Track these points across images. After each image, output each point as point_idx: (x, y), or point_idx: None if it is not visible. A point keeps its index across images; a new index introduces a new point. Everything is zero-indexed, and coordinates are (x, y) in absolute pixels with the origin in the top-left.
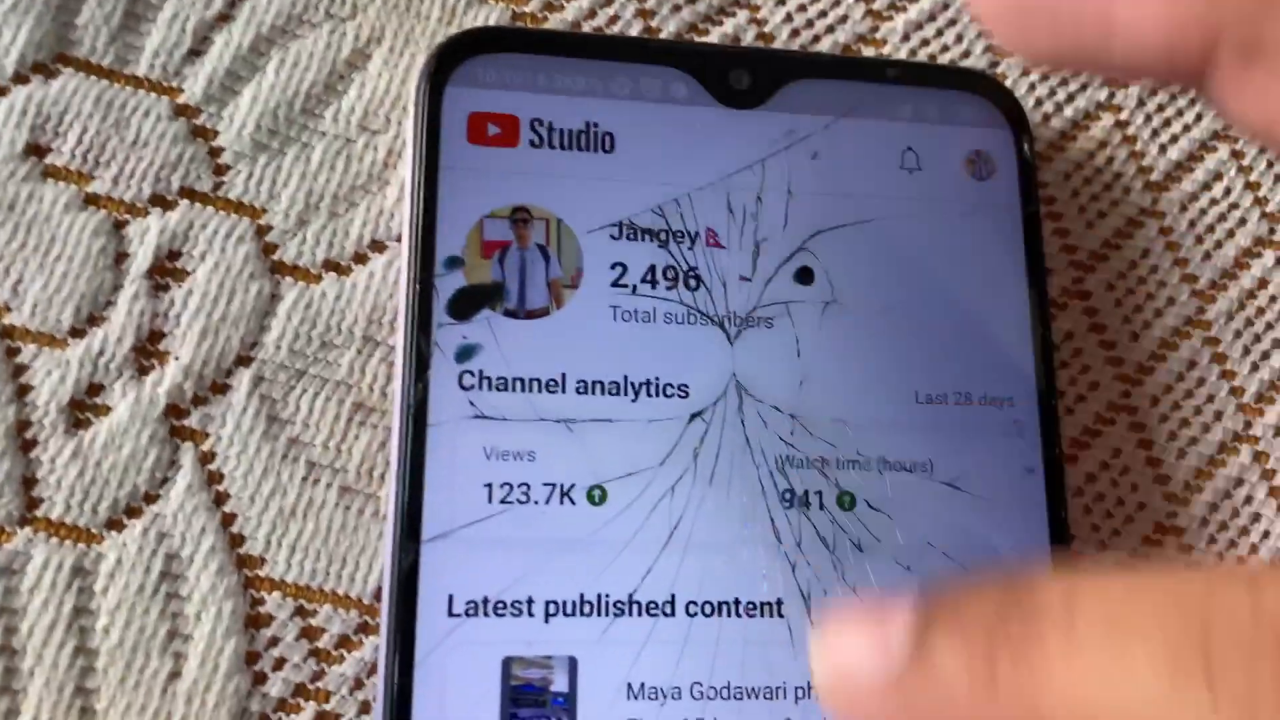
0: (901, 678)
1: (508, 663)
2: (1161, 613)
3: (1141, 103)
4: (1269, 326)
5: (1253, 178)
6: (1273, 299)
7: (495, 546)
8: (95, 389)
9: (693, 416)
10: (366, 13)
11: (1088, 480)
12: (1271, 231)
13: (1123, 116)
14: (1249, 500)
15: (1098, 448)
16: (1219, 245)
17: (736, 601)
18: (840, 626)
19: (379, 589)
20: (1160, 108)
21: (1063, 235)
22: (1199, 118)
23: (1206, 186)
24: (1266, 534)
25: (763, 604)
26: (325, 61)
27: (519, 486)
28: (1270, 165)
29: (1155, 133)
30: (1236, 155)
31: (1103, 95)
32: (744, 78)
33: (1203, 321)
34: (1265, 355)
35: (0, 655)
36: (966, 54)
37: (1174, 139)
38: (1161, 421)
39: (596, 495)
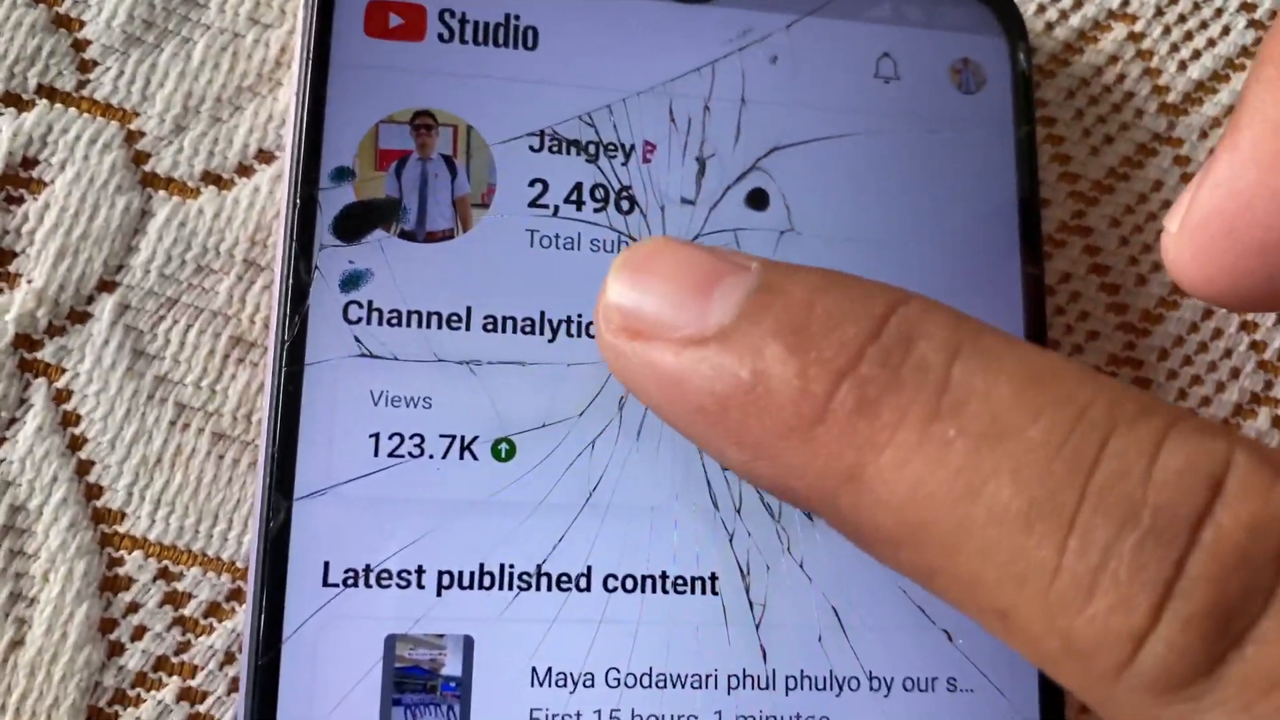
0: (708, 345)
1: (392, 641)
2: (1051, 433)
3: (1160, 12)
4: None
5: None
6: None
7: (381, 507)
8: None
9: None
10: None
11: None
12: None
13: (1137, 28)
14: None
15: None
16: None
17: (663, 575)
18: (659, 265)
19: (249, 558)
20: (1181, 18)
21: (1063, 162)
22: (1225, 30)
23: (1231, 111)
24: None
25: (693, 579)
26: None
27: (411, 438)
28: None
29: (1175, 47)
30: None
31: (1115, 2)
32: None
33: None
34: None
35: None
36: None
37: (1196, 55)
38: (1170, 379)
39: (503, 450)
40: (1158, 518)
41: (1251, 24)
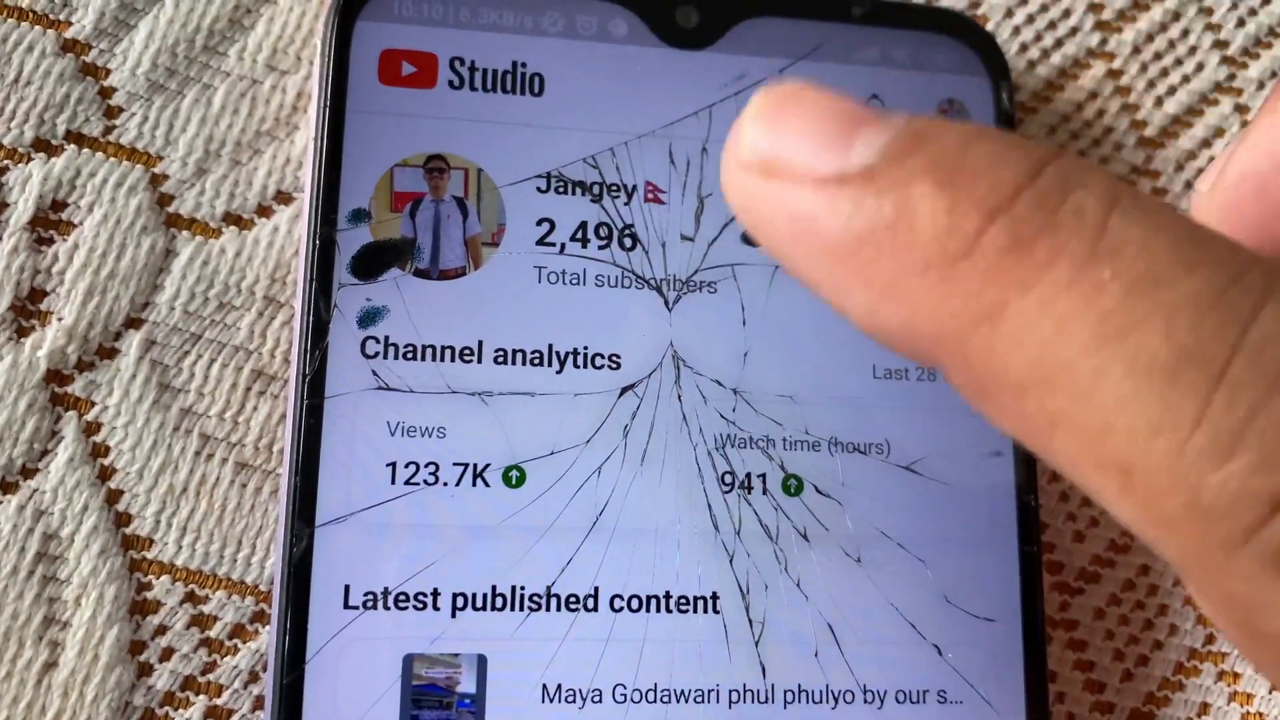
0: (849, 183)
1: (409, 660)
2: (1210, 285)
3: (1136, 50)
4: None
5: None
6: None
7: (398, 532)
8: None
9: (624, 390)
10: None
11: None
12: None
13: (1115, 65)
14: None
15: None
16: None
17: (667, 595)
18: (798, 104)
19: (273, 582)
20: (1157, 55)
21: None
22: (1199, 68)
23: (1206, 144)
24: None
25: (696, 598)
26: None
27: (426, 466)
28: None
29: (1151, 84)
30: (1240, 110)
31: (1094, 41)
32: (692, 15)
33: None
34: None
35: None
36: None
37: (1171, 90)
38: None
39: (513, 477)
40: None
41: (1225, 60)
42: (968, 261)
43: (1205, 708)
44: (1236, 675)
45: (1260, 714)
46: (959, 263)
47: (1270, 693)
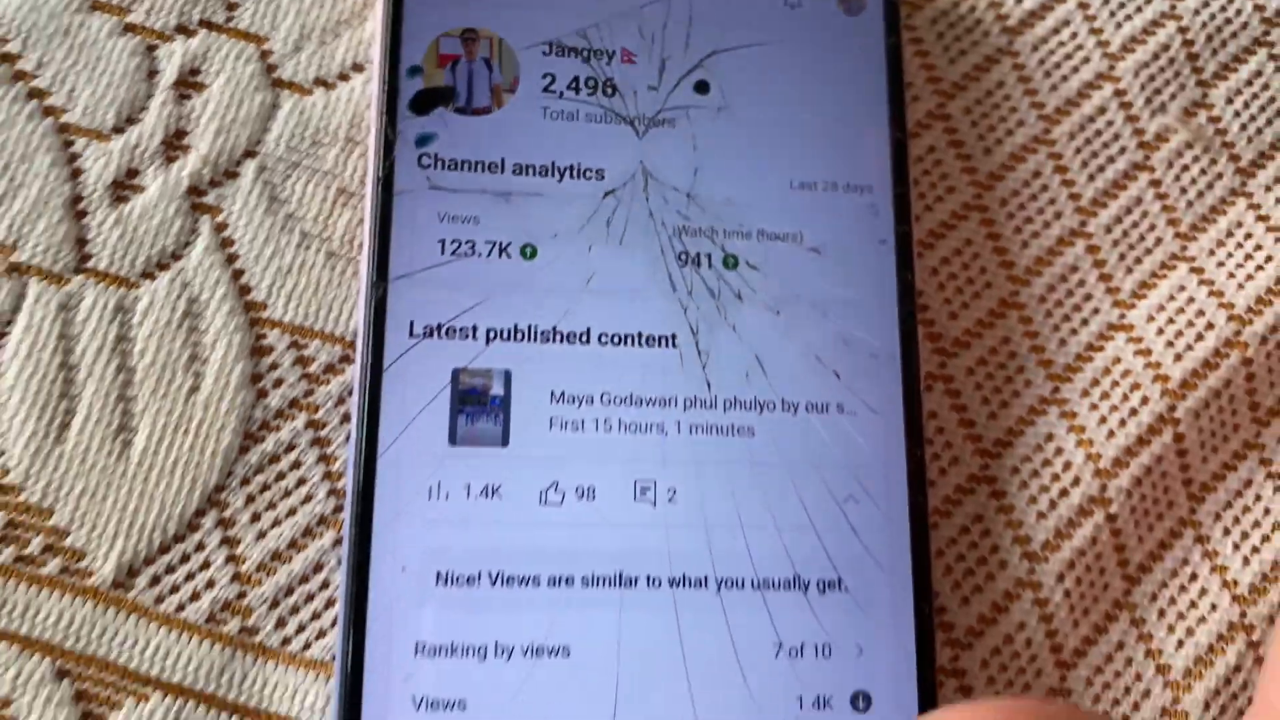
0: None
1: (456, 373)
2: None
3: None
4: (1105, 145)
5: (1095, 25)
6: (1109, 124)
7: (446, 286)
8: (133, 173)
9: (607, 194)
10: None
11: (936, 269)
12: (1111, 68)
13: None
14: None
15: (951, 238)
16: (1064, 79)
17: (639, 334)
18: None
19: (357, 327)
20: None
21: (929, 69)
22: None
23: (1055, 30)
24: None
25: (659, 336)
26: None
27: (466, 243)
28: (1111, 14)
29: None
30: (1082, 5)
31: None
32: None
33: (1048, 139)
34: (1101, 168)
35: (61, 370)
36: None
37: None
38: (1009, 219)
39: (528, 251)
40: None
41: None
42: None
43: (1050, 437)
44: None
45: (1090, 440)
46: None
47: (1100, 425)
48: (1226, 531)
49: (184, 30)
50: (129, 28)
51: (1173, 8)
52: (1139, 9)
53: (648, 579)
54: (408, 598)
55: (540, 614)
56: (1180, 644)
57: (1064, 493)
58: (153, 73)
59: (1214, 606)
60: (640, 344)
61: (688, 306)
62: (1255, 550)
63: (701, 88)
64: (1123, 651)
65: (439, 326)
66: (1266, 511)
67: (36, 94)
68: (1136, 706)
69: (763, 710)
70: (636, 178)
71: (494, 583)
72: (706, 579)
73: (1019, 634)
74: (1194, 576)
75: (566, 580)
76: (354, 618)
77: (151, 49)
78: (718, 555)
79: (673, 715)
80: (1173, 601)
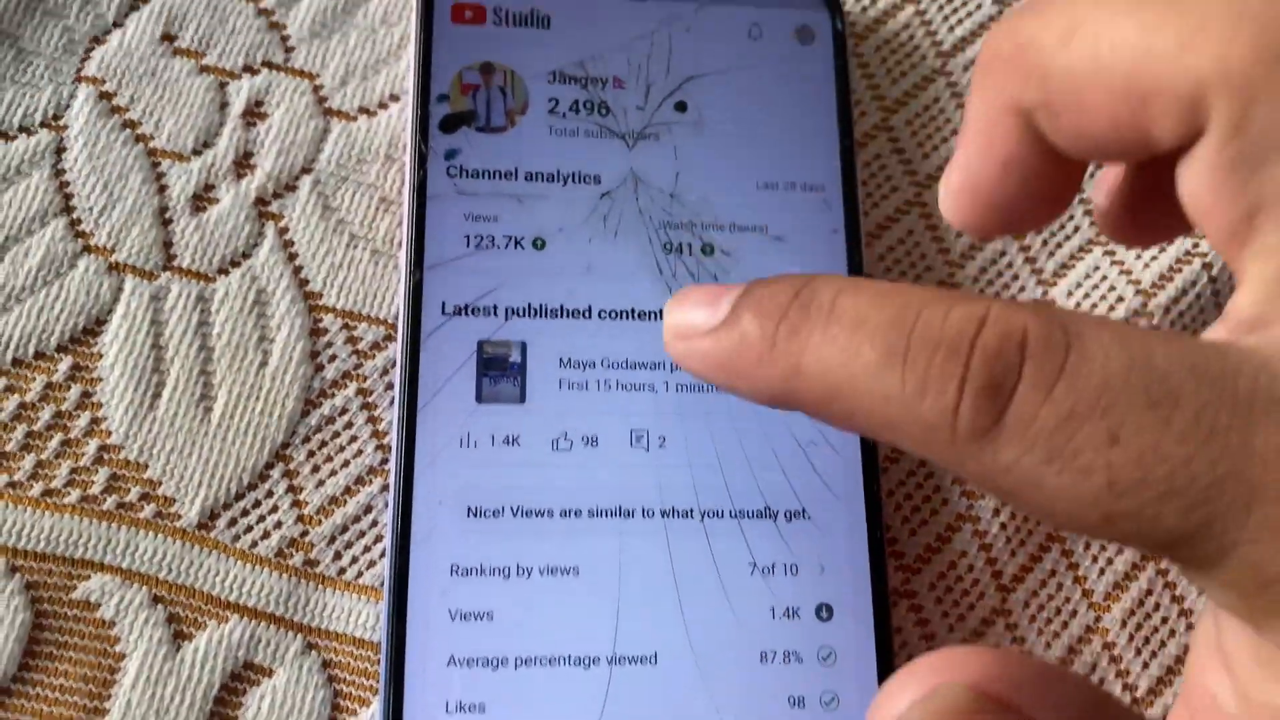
0: (718, 329)
1: (480, 344)
2: (889, 316)
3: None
4: None
5: None
6: None
7: (472, 273)
8: (209, 188)
9: (603, 195)
10: None
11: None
12: None
13: (921, 7)
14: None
15: (895, 230)
16: None
17: (632, 309)
18: (688, 297)
19: (398, 310)
20: None
21: (874, 88)
22: (979, 6)
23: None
24: None
25: (649, 311)
26: None
27: (487, 237)
28: None
29: (946, 18)
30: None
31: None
32: None
33: None
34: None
35: (152, 350)
36: None
37: (960, 20)
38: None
39: (539, 243)
40: (950, 343)
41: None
42: (774, 349)
43: None
44: None
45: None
46: (770, 351)
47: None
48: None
49: (250, 69)
50: (204, 68)
51: None
52: None
53: (643, 510)
54: (443, 528)
55: (553, 540)
56: (1101, 571)
57: None
58: (224, 105)
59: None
60: (633, 318)
61: (672, 286)
62: None
63: (680, 107)
64: (1055, 578)
65: (466, 306)
66: None
67: (130, 124)
68: (1065, 625)
69: (740, 619)
70: (628, 182)
71: (515, 515)
72: (692, 510)
73: (961, 560)
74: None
75: (575, 513)
76: (400, 545)
77: (223, 85)
78: (701, 490)
79: (664, 624)
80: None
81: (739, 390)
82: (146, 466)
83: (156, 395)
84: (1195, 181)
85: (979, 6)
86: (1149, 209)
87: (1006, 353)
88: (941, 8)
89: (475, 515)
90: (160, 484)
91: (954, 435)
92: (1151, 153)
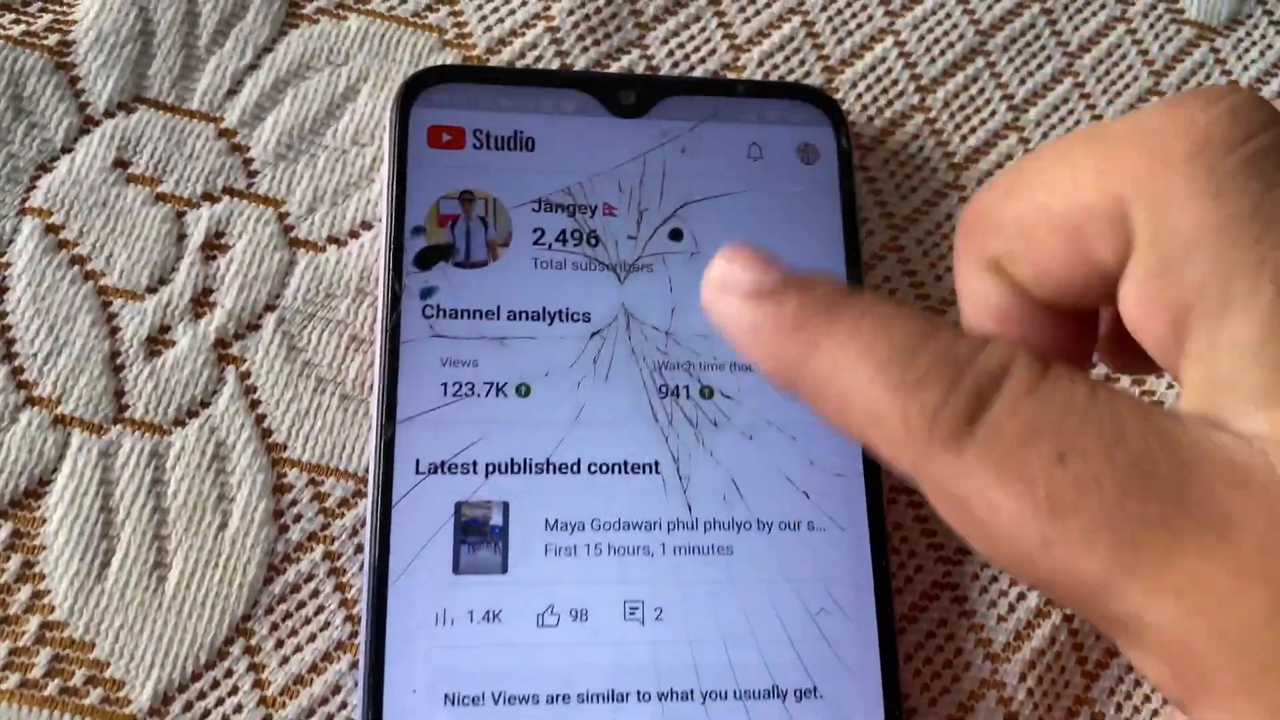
0: (763, 295)
1: (459, 505)
2: (893, 345)
3: (946, 104)
4: None
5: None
6: None
7: (449, 425)
8: (165, 329)
9: (593, 334)
10: (356, 60)
11: None
12: None
13: (931, 115)
14: None
15: None
16: None
17: (625, 462)
18: (741, 255)
19: (368, 465)
20: (961, 106)
21: (882, 205)
22: (993, 113)
23: (1000, 165)
24: None
25: (644, 464)
26: (326, 95)
27: (466, 384)
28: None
29: (958, 126)
30: (1024, 141)
31: (915, 99)
32: (630, 95)
33: None
34: None
35: (101, 513)
36: (808, 74)
37: (974, 128)
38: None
39: (523, 389)
40: (957, 354)
41: (1010, 108)
42: (801, 330)
43: None
44: None
45: None
46: (798, 330)
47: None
48: None
49: (209, 197)
50: (160, 196)
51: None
52: None
53: (638, 694)
54: (418, 718)
55: None
56: None
57: (1022, 596)
58: (182, 236)
59: (1166, 700)
60: (626, 471)
61: (669, 435)
62: None
63: (676, 235)
64: None
65: (442, 463)
66: None
67: (78, 260)
68: None
69: None
70: (619, 319)
71: (497, 702)
72: (692, 691)
73: None
74: None
75: (563, 698)
76: None
77: (180, 215)
78: (702, 669)
79: None
80: (1129, 696)
81: (754, 357)
82: (93, 646)
83: (105, 564)
84: (1129, 299)
85: (993, 114)
86: (1129, 341)
87: (995, 370)
88: (954, 115)
89: (453, 703)
90: (108, 665)
91: (929, 434)
92: (1106, 282)
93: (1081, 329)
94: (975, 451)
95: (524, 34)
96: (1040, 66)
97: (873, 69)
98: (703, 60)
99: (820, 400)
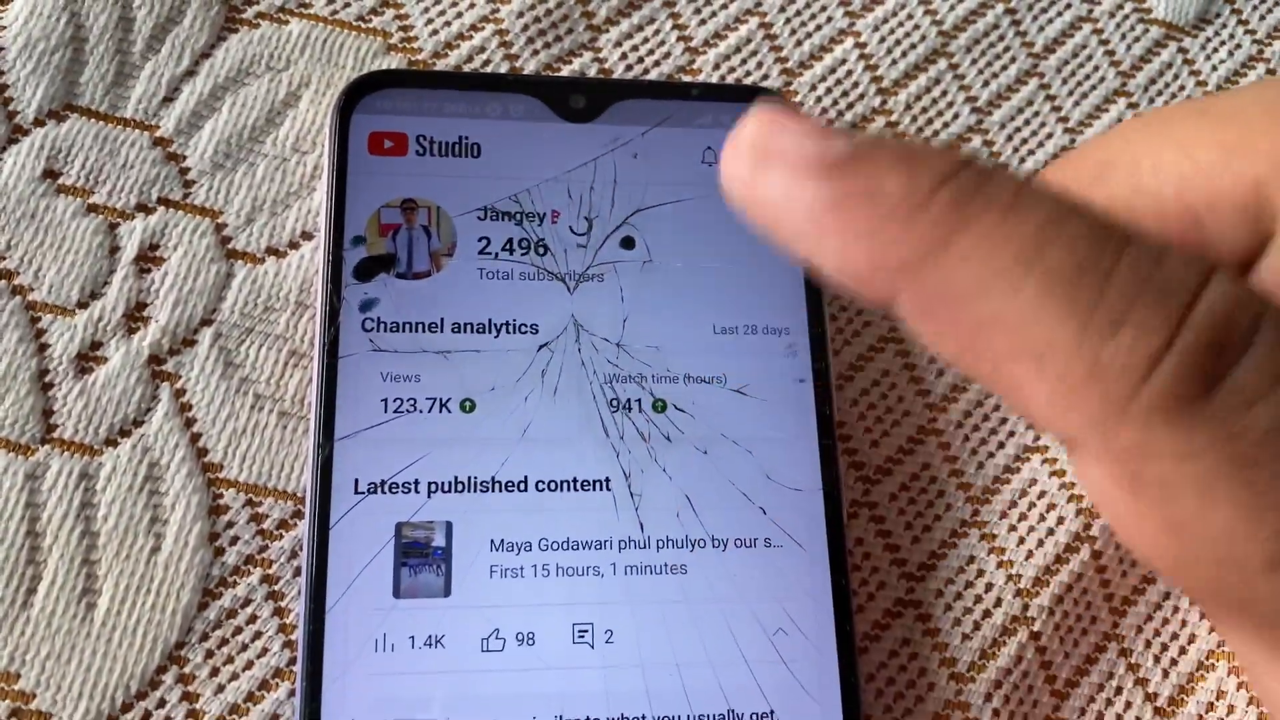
0: (838, 165)
1: (399, 526)
2: (1089, 233)
3: (908, 106)
4: None
5: None
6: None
7: (390, 444)
8: (96, 345)
9: (541, 347)
10: (297, 65)
11: (855, 403)
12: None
13: (893, 118)
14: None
15: (869, 370)
16: None
17: (574, 479)
18: (783, 116)
19: (306, 488)
20: (924, 109)
21: None
22: (956, 116)
23: None
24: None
25: (594, 481)
26: (266, 102)
27: (408, 400)
28: None
29: (921, 129)
30: (988, 144)
31: (877, 102)
32: (580, 100)
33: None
34: None
35: (27, 537)
36: (765, 77)
37: (936, 133)
38: (923, 349)
39: (467, 405)
40: (1171, 280)
41: (974, 110)
42: (924, 212)
43: (971, 559)
44: (995, 537)
45: (1010, 561)
46: (916, 213)
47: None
48: (1148, 644)
49: (143, 208)
50: (92, 208)
51: None
52: None
53: None
54: None
55: None
56: None
57: (987, 614)
58: (114, 249)
59: None
60: (575, 489)
61: (620, 451)
62: (1174, 662)
63: (627, 243)
64: None
65: (382, 483)
66: (1184, 623)
67: (5, 274)
68: None
69: None
70: (568, 330)
71: None
72: (644, 717)
73: None
74: (1119, 690)
75: None
76: None
77: (113, 227)
78: (654, 694)
79: None
80: (1100, 717)
81: (825, 253)
82: (18, 677)
83: (31, 591)
84: (1276, 283)
85: (956, 116)
86: None
87: (1237, 318)
88: (916, 118)
89: None
90: (34, 697)
91: (1132, 393)
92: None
93: None
94: (1210, 430)
95: (471, 37)
96: (1004, 68)
97: (832, 71)
98: (657, 63)
99: (943, 323)
